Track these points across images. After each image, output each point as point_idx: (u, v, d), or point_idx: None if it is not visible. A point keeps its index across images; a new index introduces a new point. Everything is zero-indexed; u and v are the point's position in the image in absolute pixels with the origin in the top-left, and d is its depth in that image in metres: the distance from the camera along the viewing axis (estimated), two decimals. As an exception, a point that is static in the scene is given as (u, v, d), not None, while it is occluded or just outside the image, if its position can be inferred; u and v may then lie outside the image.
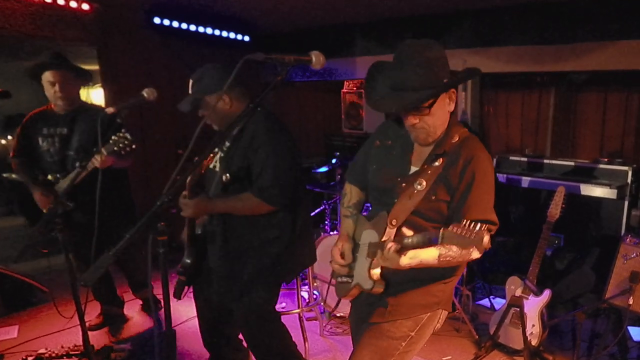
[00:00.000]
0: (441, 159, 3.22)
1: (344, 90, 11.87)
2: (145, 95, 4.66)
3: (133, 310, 7.04)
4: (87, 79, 5.84)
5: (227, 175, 4.20)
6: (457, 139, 3.26)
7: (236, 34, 10.12)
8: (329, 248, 6.90)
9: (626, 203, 6.50)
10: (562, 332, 6.27)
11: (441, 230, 2.69)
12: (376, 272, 3.35)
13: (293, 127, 11.35)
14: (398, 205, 3.25)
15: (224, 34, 9.88)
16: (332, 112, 12.51)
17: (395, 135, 3.50)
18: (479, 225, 2.55)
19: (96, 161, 4.92)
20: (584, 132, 8.61)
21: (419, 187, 3.20)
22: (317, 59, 2.93)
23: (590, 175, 6.97)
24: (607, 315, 5.82)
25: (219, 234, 4.39)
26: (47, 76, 5.57)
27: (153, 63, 9.12)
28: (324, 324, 6.62)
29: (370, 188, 3.62)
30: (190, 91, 4.25)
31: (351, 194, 3.84)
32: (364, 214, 3.73)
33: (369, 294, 3.43)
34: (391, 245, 3.01)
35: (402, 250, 3.00)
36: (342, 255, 3.56)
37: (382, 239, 3.25)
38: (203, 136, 2.85)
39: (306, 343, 5.81)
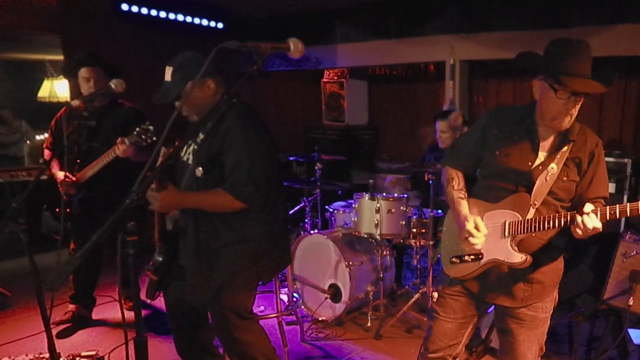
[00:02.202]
0: (568, 145, 3.67)
1: (324, 79, 11.83)
2: (112, 86, 4.80)
3: (102, 314, 7.00)
4: (119, 76, 6.01)
5: (200, 169, 4.15)
6: (578, 127, 3.72)
7: (209, 20, 10.09)
8: (309, 248, 6.98)
9: (625, 197, 6.47)
10: (559, 335, 6.25)
11: None
12: (517, 248, 3.74)
13: (270, 119, 11.43)
14: (537, 187, 3.70)
15: (196, 21, 9.84)
16: (311, 103, 12.49)
17: (509, 122, 3.91)
18: None
19: (118, 150, 5.41)
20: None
21: (551, 170, 3.67)
22: (295, 46, 2.91)
23: (586, 168, 6.94)
24: (606, 317, 5.81)
25: (189, 230, 4.34)
26: (82, 72, 6.07)
27: (121, 53, 9.04)
28: (304, 329, 6.56)
29: (490, 172, 3.98)
30: (169, 79, 4.16)
31: (458, 177, 4.15)
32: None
33: (501, 271, 3.87)
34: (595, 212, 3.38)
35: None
36: (477, 228, 3.81)
37: (527, 218, 3.68)
38: (172, 128, 2.82)
39: (286, 349, 5.77)
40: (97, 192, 6.04)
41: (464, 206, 3.99)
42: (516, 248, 3.72)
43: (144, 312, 6.67)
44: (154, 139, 5.14)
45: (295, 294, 7.10)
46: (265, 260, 4.43)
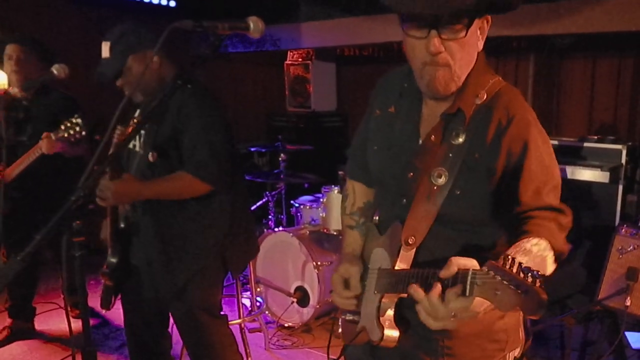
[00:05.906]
0: (461, 130, 2.45)
1: (288, 62, 11.81)
2: (54, 72, 4.75)
3: (46, 323, 6.94)
4: (52, 62, 5.87)
5: (154, 153, 4.10)
6: (485, 97, 2.48)
7: (160, -2, 10.03)
8: (274, 247, 6.92)
9: (620, 187, 6.47)
10: (549, 339, 6.26)
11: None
12: (389, 313, 2.55)
13: (229, 106, 11.38)
14: (414, 212, 2.49)
15: (146, -2, 9.79)
16: (274, 88, 12.48)
17: (399, 95, 2.79)
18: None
19: (43, 146, 5.23)
20: (570, 106, 8.62)
21: (439, 180, 2.43)
22: (255, 25, 2.90)
23: (577, 156, 6.93)
24: (601, 319, 5.82)
25: (147, 225, 4.32)
26: (7, 49, 5.84)
27: (64, 35, 8.94)
28: (269, 336, 6.56)
29: (374, 180, 2.96)
30: (107, 55, 4.10)
31: (355, 194, 3.15)
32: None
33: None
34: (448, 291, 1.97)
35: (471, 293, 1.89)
36: (347, 284, 2.86)
37: (395, 267, 2.49)
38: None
39: (249, 358, 5.76)
40: (28, 192, 5.95)
41: (350, 240, 3.05)
42: (386, 314, 2.54)
43: (92, 322, 6.64)
44: (83, 133, 4.98)
45: (258, 298, 7.04)
46: (231, 250, 4.44)
